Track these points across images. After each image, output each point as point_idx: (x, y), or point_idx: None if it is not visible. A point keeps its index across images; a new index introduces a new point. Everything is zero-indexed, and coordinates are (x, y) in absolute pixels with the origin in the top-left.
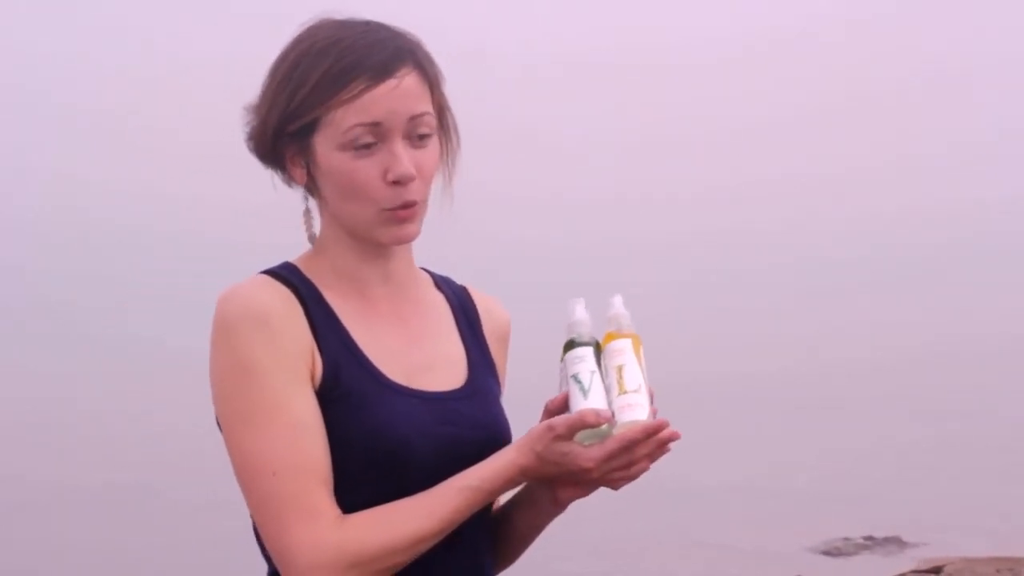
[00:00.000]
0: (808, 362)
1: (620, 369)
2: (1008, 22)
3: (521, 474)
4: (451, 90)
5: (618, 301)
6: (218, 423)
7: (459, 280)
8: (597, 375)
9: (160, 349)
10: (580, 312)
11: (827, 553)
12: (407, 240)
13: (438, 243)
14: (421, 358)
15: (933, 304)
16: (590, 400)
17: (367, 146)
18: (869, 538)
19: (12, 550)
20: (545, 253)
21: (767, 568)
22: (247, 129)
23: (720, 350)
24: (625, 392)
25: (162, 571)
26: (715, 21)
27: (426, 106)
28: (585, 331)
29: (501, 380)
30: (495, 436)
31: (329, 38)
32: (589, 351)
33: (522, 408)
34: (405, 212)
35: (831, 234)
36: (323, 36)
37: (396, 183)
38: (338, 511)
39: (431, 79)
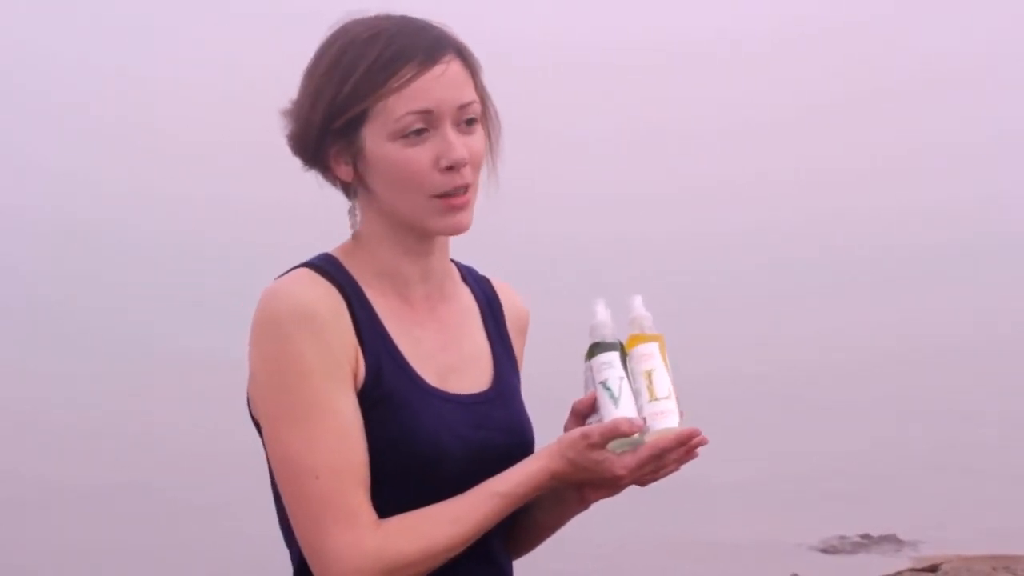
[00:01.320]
0: (805, 361)
1: (649, 375)
2: (1007, 21)
3: (552, 479)
4: None
5: (639, 302)
6: (253, 418)
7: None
8: (626, 381)
9: (161, 348)
10: (602, 313)
11: (824, 551)
12: (461, 230)
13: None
14: (452, 359)
15: (930, 304)
16: (621, 408)
17: (418, 133)
18: (866, 536)
19: (16, 550)
20: (551, 249)
21: (763, 566)
22: (286, 132)
23: (717, 349)
24: (656, 399)
25: (165, 571)
26: (718, 21)
27: (472, 93)
28: (609, 333)
29: (519, 370)
30: (523, 440)
31: (369, 30)
32: (616, 356)
33: (536, 403)
34: (459, 200)
35: (828, 233)
36: (362, 29)
37: (450, 168)
38: (375, 516)
39: (472, 67)
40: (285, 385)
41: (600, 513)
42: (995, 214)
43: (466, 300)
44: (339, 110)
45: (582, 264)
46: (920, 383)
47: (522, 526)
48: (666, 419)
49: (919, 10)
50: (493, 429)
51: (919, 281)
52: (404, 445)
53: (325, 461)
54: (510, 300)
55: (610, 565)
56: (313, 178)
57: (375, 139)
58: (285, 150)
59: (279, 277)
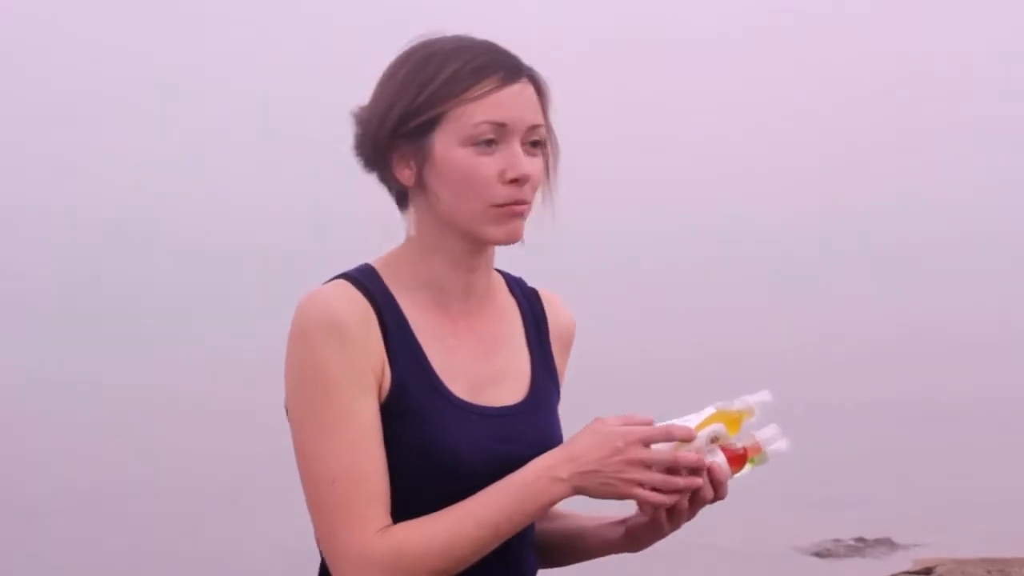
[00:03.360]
0: (799, 363)
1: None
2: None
3: (553, 478)
4: None
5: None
6: (288, 418)
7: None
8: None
9: (200, 352)
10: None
11: (817, 554)
12: (515, 239)
13: None
14: (488, 371)
15: (927, 304)
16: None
17: (488, 143)
18: (860, 539)
19: (48, 552)
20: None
21: (757, 569)
22: (356, 132)
23: (714, 349)
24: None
25: (197, 573)
26: (714, 14)
27: (541, 118)
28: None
29: (560, 384)
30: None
31: (454, 43)
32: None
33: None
34: (518, 208)
35: (825, 231)
36: (447, 42)
37: (514, 182)
38: (388, 522)
39: (544, 96)
40: (308, 391)
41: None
42: (991, 200)
43: (509, 311)
44: (417, 111)
45: (580, 263)
46: (915, 384)
47: (560, 539)
48: (712, 455)
49: (912, 7)
50: (519, 442)
51: (915, 282)
52: (426, 457)
53: (342, 468)
54: (556, 313)
55: (601, 568)
56: (364, 184)
57: (446, 144)
58: (339, 153)
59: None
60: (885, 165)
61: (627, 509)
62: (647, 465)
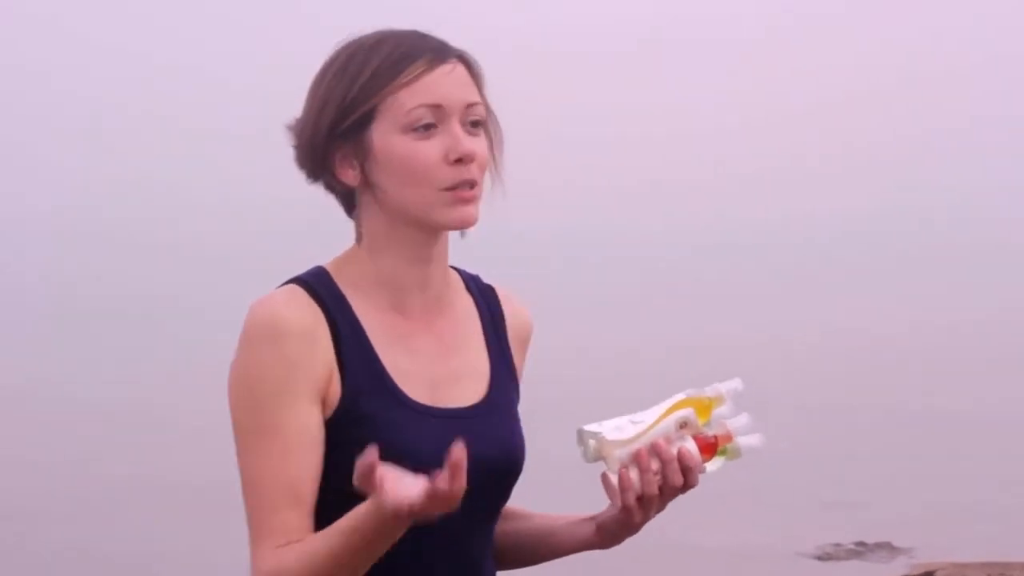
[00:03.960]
0: (798, 363)
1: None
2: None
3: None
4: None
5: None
6: None
7: (486, 278)
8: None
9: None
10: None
11: (818, 558)
12: (469, 223)
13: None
14: (447, 372)
15: (927, 307)
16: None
17: (427, 127)
18: (860, 543)
19: (50, 551)
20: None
21: (756, 573)
22: (293, 144)
23: (708, 349)
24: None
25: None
26: (712, 11)
27: (477, 96)
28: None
29: (519, 382)
30: (511, 455)
31: (375, 37)
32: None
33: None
34: (467, 192)
35: (824, 229)
36: (367, 37)
37: (458, 162)
38: (296, 535)
39: (476, 74)
40: (244, 398)
41: None
42: (992, 205)
43: (467, 309)
44: (349, 109)
45: (578, 262)
46: (914, 386)
47: (530, 539)
48: (682, 441)
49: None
50: (480, 443)
51: (916, 285)
52: (385, 463)
53: (264, 476)
54: (513, 310)
55: (599, 570)
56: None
57: (384, 134)
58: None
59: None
60: (888, 166)
61: (597, 506)
62: None
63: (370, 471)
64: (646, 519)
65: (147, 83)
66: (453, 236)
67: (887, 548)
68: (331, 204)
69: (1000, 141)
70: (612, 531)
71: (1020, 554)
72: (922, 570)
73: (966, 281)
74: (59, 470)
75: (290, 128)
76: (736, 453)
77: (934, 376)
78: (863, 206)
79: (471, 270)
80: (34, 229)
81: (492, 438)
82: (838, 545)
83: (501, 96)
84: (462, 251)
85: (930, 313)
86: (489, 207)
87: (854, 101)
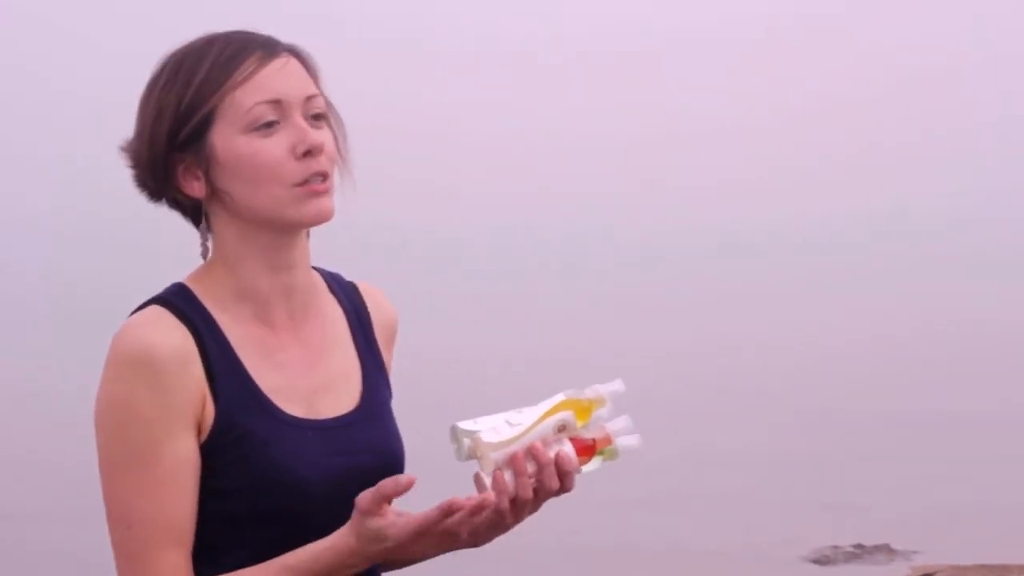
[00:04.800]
0: (797, 366)
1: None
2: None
3: (351, 555)
4: (457, 87)
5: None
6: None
7: (348, 275)
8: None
9: None
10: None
11: (816, 561)
12: (325, 217)
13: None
14: (318, 381)
15: (926, 306)
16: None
17: (269, 124)
18: (859, 546)
19: (50, 552)
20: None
21: (755, 575)
22: (129, 165)
23: (707, 352)
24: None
25: None
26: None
27: (315, 88)
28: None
29: (390, 380)
30: (391, 460)
31: (202, 39)
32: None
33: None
34: (320, 185)
35: (825, 231)
36: (193, 44)
37: (307, 155)
38: (187, 572)
39: (310, 67)
40: (114, 431)
41: (592, 522)
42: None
43: (332, 313)
44: (186, 115)
45: (575, 261)
46: (914, 390)
47: None
48: (559, 444)
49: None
50: (359, 452)
51: (916, 288)
52: (264, 483)
53: (142, 512)
54: (378, 305)
55: (602, 571)
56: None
57: (226, 137)
58: None
59: (132, 313)
60: (887, 167)
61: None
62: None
63: (384, 498)
64: (518, 521)
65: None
66: (456, 239)
67: (886, 550)
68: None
69: (1001, 142)
70: (481, 531)
71: (1019, 556)
72: (921, 572)
73: (966, 282)
74: (59, 470)
75: (124, 149)
76: (614, 455)
77: (934, 377)
78: (863, 207)
79: (457, 276)
80: (34, 229)
81: (370, 445)
82: (837, 547)
83: (501, 96)
84: (463, 257)
85: (930, 314)
86: (491, 209)
87: (854, 102)
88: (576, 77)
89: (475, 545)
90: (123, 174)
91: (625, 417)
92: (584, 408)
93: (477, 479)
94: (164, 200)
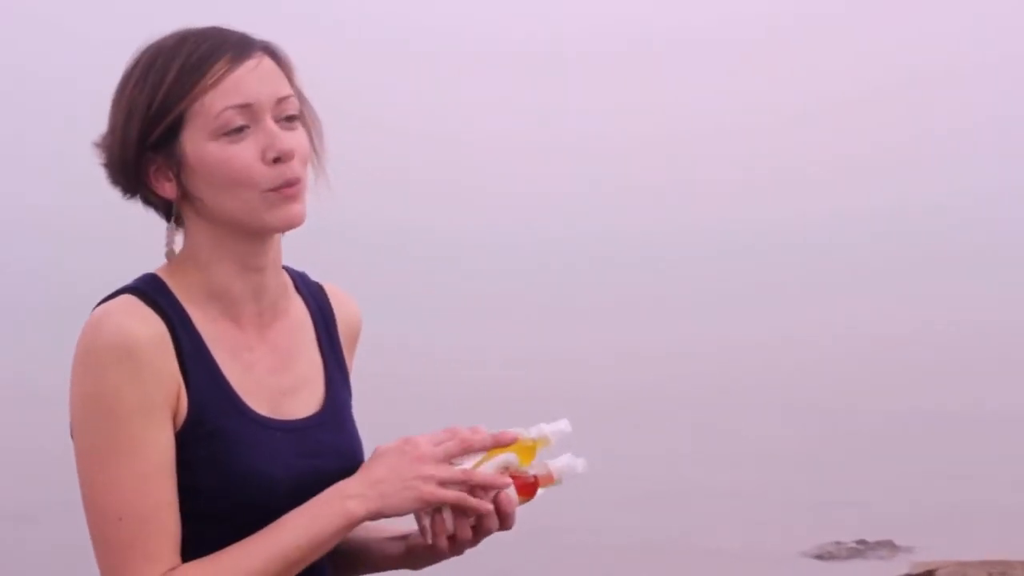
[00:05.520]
0: (800, 364)
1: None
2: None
3: (344, 498)
4: (457, 87)
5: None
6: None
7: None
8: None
9: None
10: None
11: (819, 557)
12: (297, 222)
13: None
14: (284, 382)
15: (926, 306)
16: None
17: (239, 130)
18: (861, 542)
19: (50, 552)
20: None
21: (758, 572)
22: (102, 162)
23: (710, 351)
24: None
25: None
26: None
27: (288, 88)
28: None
29: (350, 381)
30: (348, 461)
31: (174, 38)
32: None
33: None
34: (291, 190)
35: (825, 231)
36: (167, 39)
37: (277, 161)
38: (177, 561)
39: (284, 65)
40: (97, 423)
41: (596, 520)
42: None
43: (299, 313)
44: (156, 118)
45: (575, 262)
46: (915, 386)
47: (348, 552)
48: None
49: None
50: (323, 455)
51: (918, 287)
52: (232, 479)
53: (130, 504)
54: (342, 306)
55: (602, 571)
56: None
57: (196, 142)
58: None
59: (102, 302)
60: (887, 167)
61: (412, 523)
62: (442, 479)
63: None
64: (457, 554)
65: None
66: (455, 246)
67: (888, 547)
68: (331, 204)
69: (1001, 142)
70: (420, 556)
71: (1021, 552)
72: (923, 568)
73: (966, 282)
74: (59, 471)
75: (97, 145)
76: (558, 483)
77: (935, 377)
78: (863, 207)
79: (458, 276)
80: (34, 229)
81: (334, 448)
82: (839, 543)
83: (501, 96)
84: (463, 257)
85: (931, 314)
86: (491, 209)
87: (854, 102)
88: (576, 77)
89: (417, 567)
90: None
91: (568, 455)
92: (528, 448)
93: (417, 517)
94: (137, 197)
